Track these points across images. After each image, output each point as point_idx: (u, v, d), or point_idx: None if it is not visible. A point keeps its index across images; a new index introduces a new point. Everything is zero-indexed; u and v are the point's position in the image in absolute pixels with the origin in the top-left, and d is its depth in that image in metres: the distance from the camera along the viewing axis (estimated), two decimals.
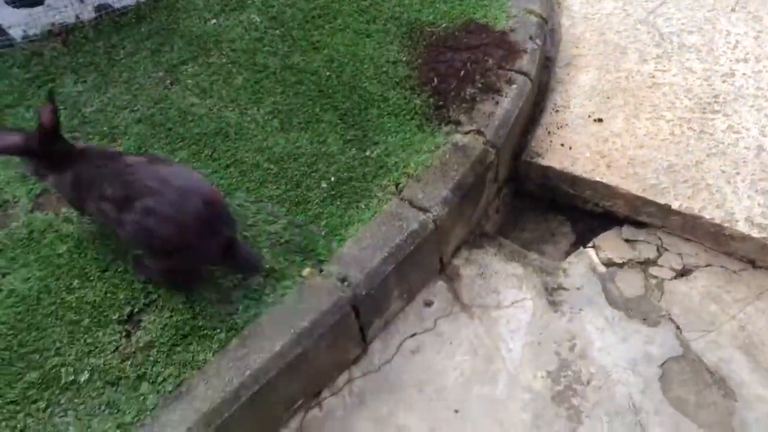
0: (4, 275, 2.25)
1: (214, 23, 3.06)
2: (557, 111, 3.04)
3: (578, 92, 3.12)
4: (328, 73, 2.94)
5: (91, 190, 2.02)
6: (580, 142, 2.86)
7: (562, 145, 2.87)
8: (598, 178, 2.71)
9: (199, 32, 3.02)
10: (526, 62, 2.99)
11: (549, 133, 2.94)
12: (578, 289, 2.47)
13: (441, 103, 2.83)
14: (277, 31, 3.07)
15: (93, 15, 2.99)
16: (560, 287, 2.49)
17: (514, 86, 2.88)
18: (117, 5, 3.02)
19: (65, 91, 2.80)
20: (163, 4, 3.09)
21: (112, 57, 2.92)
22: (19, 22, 2.89)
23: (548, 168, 2.81)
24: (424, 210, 2.41)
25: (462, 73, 2.93)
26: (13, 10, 2.85)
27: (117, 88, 2.82)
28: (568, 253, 2.67)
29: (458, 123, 2.76)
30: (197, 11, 3.10)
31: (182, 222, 1.91)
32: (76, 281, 2.22)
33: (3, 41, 2.92)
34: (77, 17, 2.97)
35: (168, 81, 2.85)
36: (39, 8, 2.88)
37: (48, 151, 2.02)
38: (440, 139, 2.71)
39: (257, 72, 2.92)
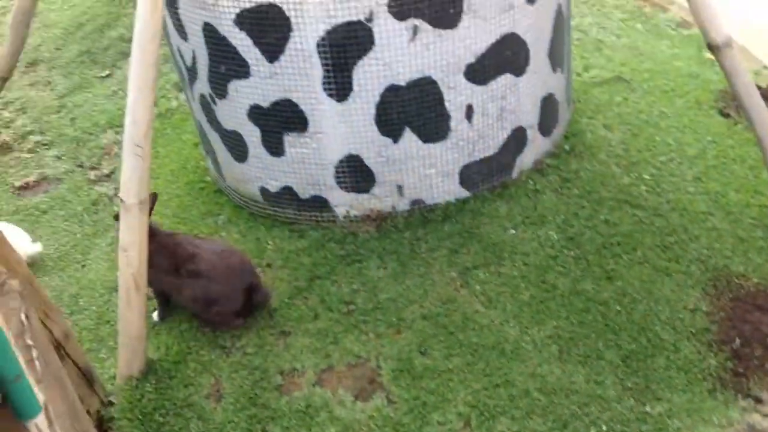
0: None
1: (512, 234, 3.17)
2: None
3: None
4: (618, 308, 2.84)
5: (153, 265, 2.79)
6: None
7: None
8: None
9: (496, 240, 3.15)
10: None
11: None
12: None
13: (741, 370, 2.56)
14: (572, 253, 3.08)
15: (407, 207, 3.29)
16: None
17: None
18: (429, 201, 3.29)
19: (369, 273, 3.07)
20: (469, 207, 3.30)
21: (414, 249, 3.16)
22: (344, 203, 3.29)
23: None
24: None
25: None
26: (344, 193, 3.26)
27: (412, 280, 3.02)
28: None
29: (758, 400, 2.46)
30: (498, 219, 3.25)
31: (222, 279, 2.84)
32: None
33: (328, 217, 3.33)
34: (393, 207, 3.29)
35: (458, 283, 2.98)
36: (365, 195, 3.25)
37: None
38: (734, 415, 2.42)
39: (545, 291, 2.92)
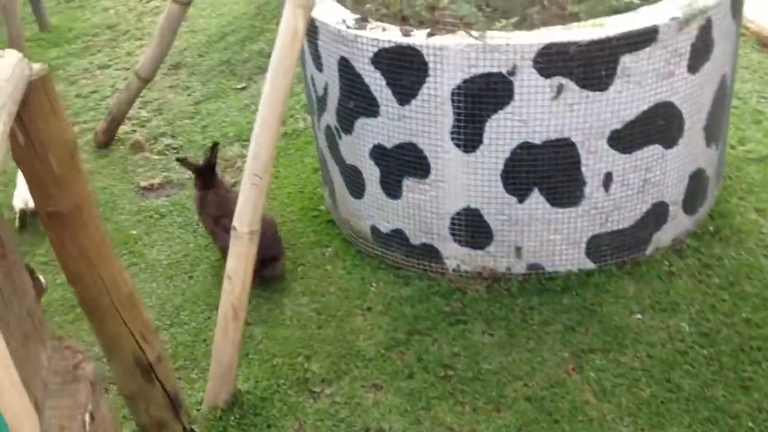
0: None
1: (638, 318, 2.88)
2: None
3: None
4: (750, 423, 2.49)
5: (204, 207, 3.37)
6: None
7: None
8: None
9: (619, 323, 2.86)
10: None
11: None
12: None
13: None
14: (705, 351, 2.74)
15: (523, 271, 3.07)
16: None
17: None
18: (548, 268, 3.06)
19: (473, 338, 2.87)
20: (593, 280, 3.03)
21: (525, 318, 2.93)
22: (456, 256, 3.11)
23: None
24: None
25: None
26: (457, 245, 3.08)
27: (519, 353, 2.79)
28: None
29: None
30: (624, 299, 2.96)
31: None
32: None
33: (437, 268, 3.16)
34: (508, 269, 3.07)
35: (570, 366, 2.73)
36: (479, 251, 3.06)
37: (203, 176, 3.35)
38: None
39: (668, 391, 2.61)
